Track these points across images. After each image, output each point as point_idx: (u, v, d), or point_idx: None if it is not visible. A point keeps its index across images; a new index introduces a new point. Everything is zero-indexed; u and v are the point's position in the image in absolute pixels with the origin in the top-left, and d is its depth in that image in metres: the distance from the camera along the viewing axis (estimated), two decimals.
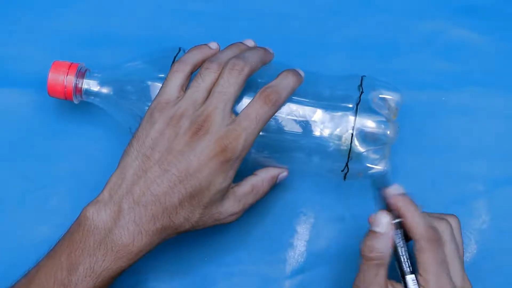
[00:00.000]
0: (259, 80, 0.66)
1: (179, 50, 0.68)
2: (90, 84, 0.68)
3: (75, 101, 0.68)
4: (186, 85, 0.62)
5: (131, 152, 0.61)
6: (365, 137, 0.65)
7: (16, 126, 0.73)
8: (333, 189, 0.71)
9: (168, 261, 0.70)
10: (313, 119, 0.65)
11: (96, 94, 0.68)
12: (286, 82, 0.62)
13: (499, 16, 0.76)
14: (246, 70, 0.61)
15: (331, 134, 0.65)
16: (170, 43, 0.74)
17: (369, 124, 0.65)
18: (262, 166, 0.68)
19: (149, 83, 0.66)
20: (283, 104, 0.62)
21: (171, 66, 0.64)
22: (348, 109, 0.65)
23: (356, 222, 0.71)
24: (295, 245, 0.71)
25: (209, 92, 0.61)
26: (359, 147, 0.65)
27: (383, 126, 0.65)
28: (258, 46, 0.66)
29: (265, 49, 0.65)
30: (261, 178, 0.66)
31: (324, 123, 0.65)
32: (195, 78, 0.62)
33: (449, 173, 0.72)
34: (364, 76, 0.67)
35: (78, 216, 0.61)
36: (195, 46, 0.65)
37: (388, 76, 0.72)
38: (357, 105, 0.65)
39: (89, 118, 0.72)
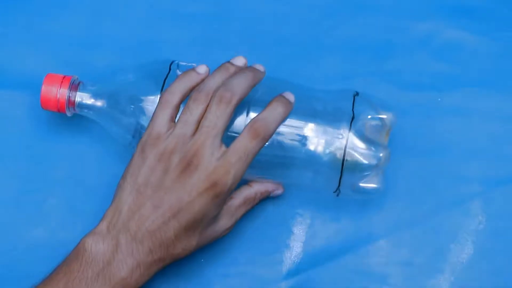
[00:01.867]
0: (251, 95, 0.66)
1: (170, 67, 0.68)
2: (83, 97, 0.68)
3: (68, 114, 0.69)
4: (175, 116, 0.63)
5: (125, 187, 0.62)
6: (356, 163, 0.65)
7: (12, 128, 0.73)
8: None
9: None
10: (304, 141, 0.66)
11: (89, 107, 0.68)
12: (275, 113, 0.62)
13: (495, 17, 0.76)
14: (234, 101, 0.61)
15: (321, 156, 0.65)
16: (163, 47, 0.75)
17: (361, 147, 0.65)
18: (254, 178, 0.68)
19: (142, 97, 0.67)
20: (272, 135, 0.62)
21: (160, 97, 0.64)
22: (339, 135, 0.65)
23: (351, 223, 0.71)
24: (291, 246, 0.71)
25: (198, 124, 0.61)
26: (350, 171, 0.65)
27: (373, 149, 0.65)
28: (248, 64, 0.65)
29: (254, 70, 0.64)
30: (255, 191, 0.67)
31: (315, 146, 0.65)
32: (183, 111, 0.62)
33: (445, 174, 0.72)
34: (356, 95, 0.67)
35: (76, 246, 0.61)
36: (183, 73, 0.64)
37: (383, 77, 0.72)
38: (348, 130, 0.65)
39: (85, 120, 0.72)
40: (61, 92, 0.68)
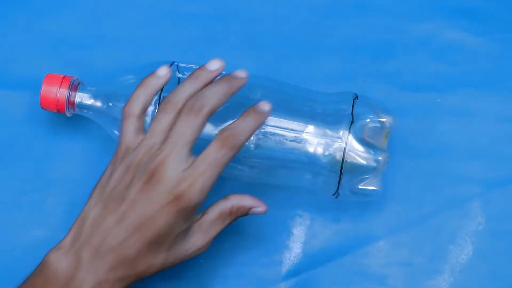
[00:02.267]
0: (251, 97, 0.66)
1: (171, 66, 0.68)
2: (83, 98, 0.68)
3: (68, 114, 0.69)
4: (142, 126, 0.61)
5: (92, 199, 0.60)
6: (355, 166, 0.65)
7: (11, 128, 0.73)
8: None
9: None
10: (303, 143, 0.66)
11: (89, 108, 0.68)
12: (245, 124, 0.59)
13: (494, 18, 0.76)
14: (205, 112, 0.58)
15: (321, 158, 0.66)
16: (163, 47, 0.75)
17: (359, 149, 0.65)
18: (251, 180, 0.68)
19: None
20: (242, 146, 0.59)
21: (121, 116, 0.62)
22: (338, 138, 0.65)
23: (351, 224, 0.71)
24: (290, 247, 0.71)
25: (167, 134, 0.59)
26: (349, 174, 0.65)
27: (372, 152, 0.65)
28: (223, 69, 0.63)
29: (230, 80, 0.61)
30: (231, 205, 0.63)
31: (314, 148, 0.66)
32: (152, 121, 0.60)
33: (444, 175, 0.72)
34: (356, 98, 0.67)
35: (42, 261, 0.60)
36: (141, 81, 0.63)
37: (383, 78, 0.72)
38: (347, 133, 0.65)
39: (85, 120, 0.72)
40: (61, 92, 0.68)
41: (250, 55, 0.75)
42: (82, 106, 0.68)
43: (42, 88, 0.68)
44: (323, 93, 0.68)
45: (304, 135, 0.65)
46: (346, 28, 0.76)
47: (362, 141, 0.66)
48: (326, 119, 0.66)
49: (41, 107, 0.68)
